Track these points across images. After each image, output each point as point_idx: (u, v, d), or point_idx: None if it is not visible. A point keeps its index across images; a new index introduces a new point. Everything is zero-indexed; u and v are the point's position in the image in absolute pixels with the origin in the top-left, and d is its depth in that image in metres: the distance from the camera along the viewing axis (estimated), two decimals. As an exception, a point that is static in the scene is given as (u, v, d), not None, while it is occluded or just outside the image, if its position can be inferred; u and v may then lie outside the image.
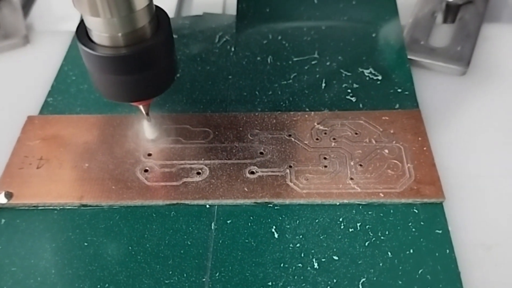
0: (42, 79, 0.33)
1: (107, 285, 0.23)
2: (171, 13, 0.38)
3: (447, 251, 0.24)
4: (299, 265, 0.23)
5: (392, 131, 0.28)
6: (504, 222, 0.25)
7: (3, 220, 0.25)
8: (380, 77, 0.31)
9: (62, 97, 0.31)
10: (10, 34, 0.35)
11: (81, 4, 0.22)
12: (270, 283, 0.23)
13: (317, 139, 0.28)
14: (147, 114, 0.28)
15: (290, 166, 0.27)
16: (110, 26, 0.22)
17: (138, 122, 0.29)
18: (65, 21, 0.38)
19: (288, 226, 0.25)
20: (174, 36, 0.33)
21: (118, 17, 0.22)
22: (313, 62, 0.33)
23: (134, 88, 0.24)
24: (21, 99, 0.32)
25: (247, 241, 0.24)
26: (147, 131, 0.29)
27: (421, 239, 0.24)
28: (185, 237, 0.25)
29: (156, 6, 0.24)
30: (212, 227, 0.25)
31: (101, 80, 0.24)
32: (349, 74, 0.32)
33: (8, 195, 0.26)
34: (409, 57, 0.32)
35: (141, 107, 0.27)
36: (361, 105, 0.30)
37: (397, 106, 0.30)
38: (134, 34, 0.23)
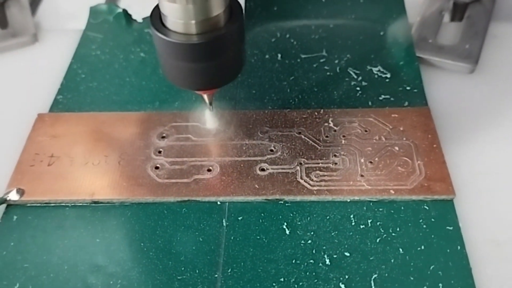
0: (52, 77, 0.33)
1: (119, 281, 0.23)
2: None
3: (458, 247, 0.24)
4: (311, 261, 0.24)
5: (401, 129, 0.28)
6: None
7: (15, 217, 0.26)
8: (389, 75, 0.31)
9: (72, 94, 0.31)
10: (18, 32, 0.36)
11: None
12: (282, 279, 0.23)
13: (326, 136, 0.28)
14: (210, 104, 0.28)
15: (301, 163, 0.27)
16: (185, 13, 0.22)
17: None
18: (73, 19, 0.38)
19: (299, 223, 0.25)
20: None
21: (194, 4, 0.22)
22: (321, 60, 0.33)
23: (202, 76, 0.24)
24: (31, 97, 0.32)
25: (258, 237, 0.24)
26: (208, 121, 0.29)
27: (432, 236, 0.24)
28: (197, 233, 0.25)
29: None
30: (224, 224, 0.25)
31: (171, 66, 0.24)
32: (357, 72, 0.32)
33: (20, 192, 0.26)
34: (417, 55, 0.32)
35: (205, 96, 0.27)
36: (370, 103, 0.30)
37: (406, 103, 0.30)
38: (208, 22, 0.23)
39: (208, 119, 0.29)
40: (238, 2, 0.24)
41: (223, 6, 0.23)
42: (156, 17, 0.23)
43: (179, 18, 0.22)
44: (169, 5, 0.22)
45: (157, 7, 0.23)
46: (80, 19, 0.37)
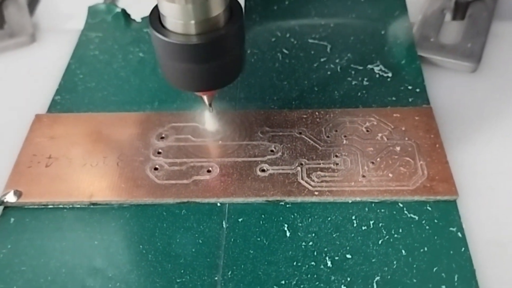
0: (50, 78, 0.32)
1: (118, 284, 0.23)
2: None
3: (462, 249, 0.23)
4: (312, 263, 0.23)
5: (403, 128, 0.28)
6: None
7: (12, 219, 0.25)
8: (390, 74, 0.31)
9: (70, 95, 0.31)
10: (16, 32, 0.35)
11: None
12: (283, 282, 0.23)
13: (328, 136, 0.28)
14: (210, 105, 0.28)
15: (301, 164, 0.27)
16: (184, 13, 0.22)
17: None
18: (71, 19, 0.38)
19: (300, 224, 0.25)
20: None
21: (194, 3, 0.21)
22: (322, 60, 0.32)
23: (201, 77, 0.24)
24: (28, 97, 0.31)
25: (259, 239, 0.24)
26: (208, 122, 0.29)
27: (435, 237, 0.24)
28: (197, 235, 0.24)
29: None
30: (224, 226, 0.25)
31: (170, 67, 0.24)
32: (359, 71, 0.31)
33: (17, 194, 0.26)
34: (419, 54, 0.32)
35: (204, 97, 0.27)
36: (371, 102, 0.30)
37: (408, 103, 0.29)
38: (208, 23, 0.22)
39: (207, 119, 0.29)
40: (238, 2, 0.24)
41: (223, 6, 0.22)
42: (155, 18, 0.23)
43: (178, 18, 0.22)
44: (168, 5, 0.22)
45: (156, 8, 0.23)
46: (78, 19, 0.37)
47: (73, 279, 0.23)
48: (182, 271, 0.23)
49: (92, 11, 0.36)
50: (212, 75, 0.24)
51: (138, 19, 0.36)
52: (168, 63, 0.24)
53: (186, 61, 0.23)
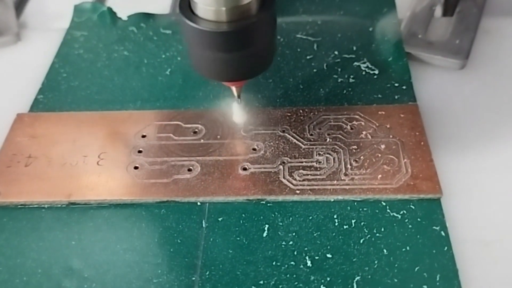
0: (33, 77, 0.32)
1: (94, 284, 0.23)
2: (166, 9, 0.37)
3: (445, 248, 0.23)
4: (292, 263, 0.23)
5: (388, 126, 0.27)
6: (502, 218, 0.24)
7: (-11, 219, 0.25)
8: (376, 71, 0.31)
9: (53, 94, 0.31)
10: (1, 31, 0.35)
11: None
12: (261, 282, 0.22)
13: (311, 134, 0.27)
14: (239, 96, 0.27)
15: (284, 163, 0.26)
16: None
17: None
18: (59, 19, 0.37)
19: (281, 224, 0.24)
20: (168, 32, 0.33)
21: None
22: (308, 57, 0.32)
23: (231, 66, 0.24)
24: (11, 96, 0.31)
25: (238, 239, 0.24)
26: (235, 114, 0.28)
27: (418, 236, 0.23)
28: (175, 235, 0.24)
29: None
30: (203, 225, 0.24)
31: (199, 55, 0.24)
32: (345, 68, 0.31)
33: (-5, 194, 0.25)
34: (406, 50, 0.32)
35: (233, 88, 0.26)
36: (357, 100, 0.29)
37: (394, 100, 0.29)
38: (239, 10, 0.22)
39: (236, 112, 0.28)
40: None
41: None
42: (186, 5, 0.23)
43: (209, 5, 0.22)
44: None
45: None
46: (67, 18, 0.36)
47: (49, 280, 0.23)
48: (159, 271, 0.23)
49: (78, 10, 0.36)
50: (242, 65, 0.24)
51: (124, 17, 0.36)
52: (197, 51, 0.23)
53: (216, 49, 0.23)
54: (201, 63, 0.24)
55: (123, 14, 0.36)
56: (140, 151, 0.27)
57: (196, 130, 0.28)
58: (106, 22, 0.35)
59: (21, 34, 0.35)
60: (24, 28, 0.36)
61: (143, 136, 0.28)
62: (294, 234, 0.24)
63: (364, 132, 0.27)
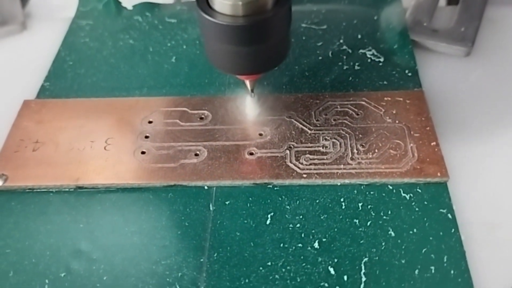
0: (39, 65, 0.32)
1: (102, 266, 0.23)
2: (170, -1, 0.37)
3: (452, 230, 0.23)
4: (299, 245, 0.23)
5: (394, 112, 0.27)
6: (508, 201, 0.24)
7: (-3, 202, 0.25)
8: (382, 59, 0.31)
9: (59, 81, 0.31)
10: (7, 20, 0.35)
11: None
12: (269, 263, 0.22)
13: (317, 120, 0.27)
14: (252, 90, 0.27)
15: (290, 147, 0.26)
16: None
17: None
18: (64, 8, 0.37)
19: (288, 207, 0.24)
20: (173, 20, 0.33)
21: None
22: (313, 45, 0.32)
23: (246, 60, 0.24)
24: (18, 84, 0.31)
25: (245, 221, 0.24)
26: (249, 108, 0.28)
27: (425, 219, 0.23)
28: (183, 218, 0.24)
29: None
30: (211, 208, 0.24)
31: (215, 49, 0.24)
32: (350, 56, 0.31)
33: (3, 178, 0.26)
34: (412, 38, 0.32)
35: (247, 82, 0.27)
36: (363, 87, 0.29)
37: (400, 87, 0.29)
38: (255, 4, 0.22)
39: (249, 105, 0.28)
40: None
41: None
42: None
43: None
44: None
45: None
46: (72, 8, 0.36)
47: (57, 262, 0.23)
48: (168, 253, 0.23)
49: (83, -1, 0.36)
50: (257, 59, 0.24)
51: (129, 7, 0.36)
52: (213, 45, 0.24)
53: (232, 43, 0.23)
54: (217, 57, 0.24)
55: (126, 3, 0.36)
56: (147, 137, 0.27)
57: (203, 116, 0.28)
58: (111, 11, 0.36)
59: (27, 23, 0.36)
60: (29, 17, 0.37)
61: (150, 122, 0.28)
62: (301, 217, 0.24)
63: (370, 118, 0.27)
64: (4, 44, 0.34)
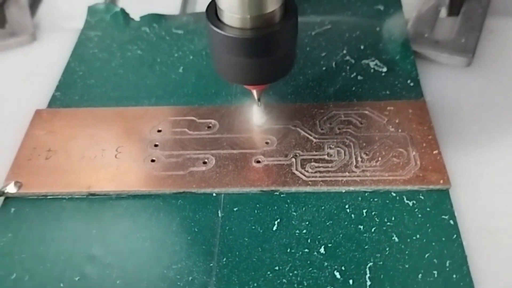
0: (50, 75, 0.33)
1: (116, 270, 0.23)
2: (176, 10, 0.38)
3: (454, 235, 0.24)
4: (306, 250, 0.24)
5: (397, 121, 0.28)
6: (509, 207, 0.25)
7: (12, 209, 0.26)
8: (385, 69, 0.32)
9: (70, 91, 0.32)
10: (17, 32, 0.36)
11: None
12: (277, 268, 0.23)
13: (322, 129, 0.28)
14: (259, 100, 0.28)
15: (296, 155, 0.27)
16: (241, 7, 0.22)
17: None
18: (72, 19, 0.38)
19: (294, 213, 0.25)
20: (180, 32, 0.34)
21: None
22: (317, 56, 0.33)
23: (254, 71, 0.25)
24: (29, 94, 0.32)
25: (253, 227, 0.25)
26: (255, 116, 0.29)
27: (428, 225, 0.24)
28: (192, 224, 0.25)
29: None
30: (219, 215, 0.25)
31: (223, 60, 0.25)
32: (354, 66, 0.32)
33: (18, 185, 0.26)
34: (413, 49, 0.33)
35: (254, 92, 0.28)
36: (366, 97, 0.30)
37: (402, 96, 0.30)
38: (263, 18, 0.23)
39: (256, 114, 0.29)
40: (293, 0, 0.24)
41: (278, 2, 0.23)
42: (212, 12, 0.24)
43: (235, 13, 0.23)
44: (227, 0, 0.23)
45: (213, 2, 0.24)
46: (79, 19, 0.37)
47: (72, 266, 0.24)
48: (178, 258, 0.24)
49: (92, 11, 0.37)
50: (264, 70, 0.25)
51: (137, 18, 0.37)
52: (221, 56, 0.25)
53: (240, 55, 0.24)
54: (225, 67, 0.25)
55: (134, 15, 0.37)
56: (156, 145, 0.28)
57: (210, 125, 0.29)
58: (119, 22, 0.36)
59: (36, 34, 0.36)
60: (38, 28, 0.37)
61: (159, 131, 0.29)
62: (307, 223, 0.25)
63: (373, 127, 0.28)
64: (14, 55, 0.35)
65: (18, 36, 0.36)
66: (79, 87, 0.32)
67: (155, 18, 0.36)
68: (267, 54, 0.24)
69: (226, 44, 0.23)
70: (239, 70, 0.25)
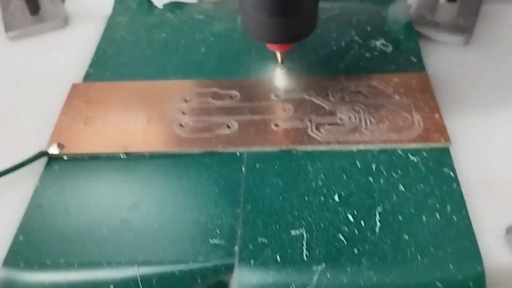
0: (82, 55, 0.36)
1: (153, 216, 0.26)
2: (195, -1, 0.41)
3: (454, 185, 0.26)
4: (322, 198, 0.26)
5: (402, 90, 0.31)
6: (502, 163, 0.28)
7: (56, 167, 0.29)
8: (390, 48, 0.35)
9: (102, 69, 0.35)
10: (51, 17, 0.39)
11: None
12: (296, 213, 0.26)
13: (334, 98, 0.31)
14: (282, 62, 0.31)
15: (311, 120, 0.30)
16: None
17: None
18: (99, 6, 0.41)
19: (310, 169, 0.28)
20: (201, 17, 0.37)
21: None
22: (328, 37, 0.36)
23: (278, 29, 0.28)
24: (64, 71, 0.35)
25: (274, 181, 0.27)
26: (278, 78, 0.32)
27: (430, 176, 0.27)
28: (219, 178, 0.28)
29: None
30: (243, 170, 0.28)
31: (250, 18, 0.28)
32: (361, 45, 0.35)
33: (60, 146, 0.29)
34: (416, 30, 0.36)
35: (278, 53, 0.31)
36: (373, 71, 0.33)
37: (406, 71, 0.33)
38: None
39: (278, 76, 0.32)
40: None
41: None
42: None
43: None
44: None
45: None
46: (107, 7, 0.40)
47: (113, 214, 0.26)
48: (207, 206, 0.26)
49: (119, -1, 0.40)
50: (288, 29, 0.28)
51: (160, 6, 0.40)
52: (250, 15, 0.27)
53: (266, 13, 0.27)
54: (253, 26, 0.28)
55: (157, 2, 0.40)
56: (183, 113, 0.31)
57: (232, 95, 0.32)
58: (144, 9, 0.39)
59: (68, 20, 0.39)
60: (69, 15, 0.40)
61: (186, 101, 0.31)
62: (322, 176, 0.27)
63: (381, 96, 0.31)
64: (48, 38, 0.38)
65: (51, 21, 0.39)
66: (110, 65, 0.35)
67: (178, 5, 0.40)
68: (292, 13, 0.27)
69: (256, 3, 0.26)
70: (264, 28, 0.28)
